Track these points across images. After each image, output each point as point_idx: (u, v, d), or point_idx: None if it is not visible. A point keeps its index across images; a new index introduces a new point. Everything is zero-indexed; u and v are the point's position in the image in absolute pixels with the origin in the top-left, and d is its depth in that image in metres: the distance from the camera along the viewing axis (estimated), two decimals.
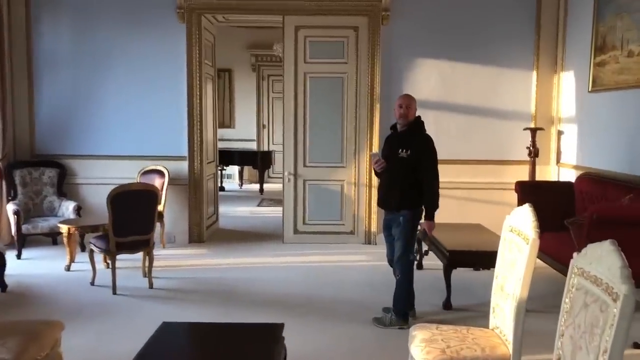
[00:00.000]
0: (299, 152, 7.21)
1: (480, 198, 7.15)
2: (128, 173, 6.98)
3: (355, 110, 7.09)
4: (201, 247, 7.07)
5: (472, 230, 5.85)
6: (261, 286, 5.49)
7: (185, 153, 7.15)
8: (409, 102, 4.50)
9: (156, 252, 6.60)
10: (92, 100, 7.11)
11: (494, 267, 3.13)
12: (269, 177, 12.90)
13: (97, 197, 6.93)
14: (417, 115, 4.56)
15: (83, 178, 7.16)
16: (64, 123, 7.14)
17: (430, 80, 7.12)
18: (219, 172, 12.51)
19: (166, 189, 6.88)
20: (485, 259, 4.75)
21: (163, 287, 5.42)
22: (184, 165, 7.17)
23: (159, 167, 6.98)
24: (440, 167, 4.56)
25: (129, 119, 7.13)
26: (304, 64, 7.09)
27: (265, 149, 13.13)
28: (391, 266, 4.64)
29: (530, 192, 6.07)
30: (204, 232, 7.32)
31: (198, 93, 7.07)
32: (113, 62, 7.08)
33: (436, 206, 4.46)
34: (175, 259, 6.46)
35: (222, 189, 12.36)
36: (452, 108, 7.16)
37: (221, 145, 13.15)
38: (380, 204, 4.81)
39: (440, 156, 4.62)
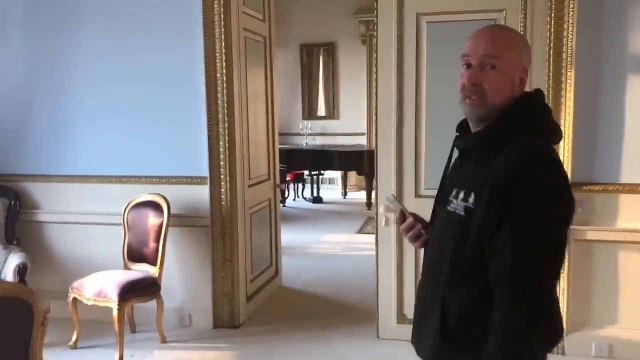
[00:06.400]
0: (406, 169, 3.76)
1: None
2: (115, 204, 4.09)
3: None
4: (230, 340, 3.91)
5: None
6: None
7: (206, 173, 4.08)
8: (495, 50, 1.36)
9: (140, 354, 3.62)
10: (55, 88, 4.27)
11: None
12: None
13: (66, 244, 4.25)
14: (525, 91, 1.43)
15: (47, 213, 4.33)
16: (14, 125, 4.36)
17: None
18: (315, 177, 9.49)
19: (164, 235, 3.83)
20: None
21: None
22: (204, 192, 4.10)
23: (155, 198, 3.94)
24: None
25: (116, 117, 4.19)
26: None
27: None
28: None
29: None
30: (239, 308, 4.15)
31: (222, 64, 3.90)
32: (87, 23, 4.16)
33: None
34: None
35: (318, 199, 9.45)
36: None
37: (321, 141, 10.14)
38: (412, 335, 1.66)
39: None
